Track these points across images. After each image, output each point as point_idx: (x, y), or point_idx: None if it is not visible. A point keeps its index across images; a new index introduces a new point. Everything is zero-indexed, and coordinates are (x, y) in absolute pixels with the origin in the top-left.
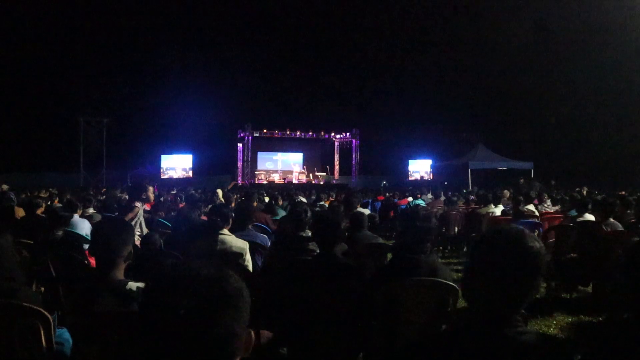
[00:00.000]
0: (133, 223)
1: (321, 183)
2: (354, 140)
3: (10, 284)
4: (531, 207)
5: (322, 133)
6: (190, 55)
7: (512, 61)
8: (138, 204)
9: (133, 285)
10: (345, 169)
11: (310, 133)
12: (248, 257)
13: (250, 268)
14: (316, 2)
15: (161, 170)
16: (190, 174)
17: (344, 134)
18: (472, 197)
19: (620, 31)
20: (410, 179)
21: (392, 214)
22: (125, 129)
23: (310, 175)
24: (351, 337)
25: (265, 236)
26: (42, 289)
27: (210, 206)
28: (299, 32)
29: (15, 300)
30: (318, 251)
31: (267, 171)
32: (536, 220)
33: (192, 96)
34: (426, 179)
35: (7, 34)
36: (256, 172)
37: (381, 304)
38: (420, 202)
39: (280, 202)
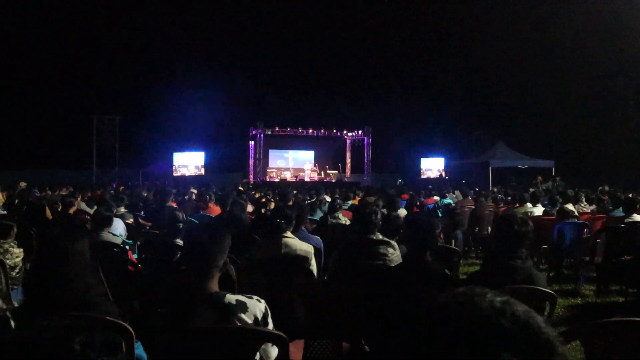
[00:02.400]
0: None
1: (333, 181)
2: (366, 138)
3: (89, 295)
4: (571, 206)
5: (334, 131)
6: (203, 54)
7: (530, 58)
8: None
9: (232, 298)
10: (357, 167)
11: (323, 131)
12: (314, 261)
13: (315, 272)
14: (327, 1)
15: (173, 168)
16: (203, 171)
17: (356, 131)
18: (499, 195)
19: None
20: (422, 177)
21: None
22: (137, 126)
23: (322, 173)
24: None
25: (319, 238)
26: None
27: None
28: (312, 30)
29: (96, 314)
30: (389, 256)
31: (279, 169)
32: (581, 220)
33: (205, 94)
34: (440, 177)
35: (21, 33)
36: (268, 170)
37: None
38: (449, 200)
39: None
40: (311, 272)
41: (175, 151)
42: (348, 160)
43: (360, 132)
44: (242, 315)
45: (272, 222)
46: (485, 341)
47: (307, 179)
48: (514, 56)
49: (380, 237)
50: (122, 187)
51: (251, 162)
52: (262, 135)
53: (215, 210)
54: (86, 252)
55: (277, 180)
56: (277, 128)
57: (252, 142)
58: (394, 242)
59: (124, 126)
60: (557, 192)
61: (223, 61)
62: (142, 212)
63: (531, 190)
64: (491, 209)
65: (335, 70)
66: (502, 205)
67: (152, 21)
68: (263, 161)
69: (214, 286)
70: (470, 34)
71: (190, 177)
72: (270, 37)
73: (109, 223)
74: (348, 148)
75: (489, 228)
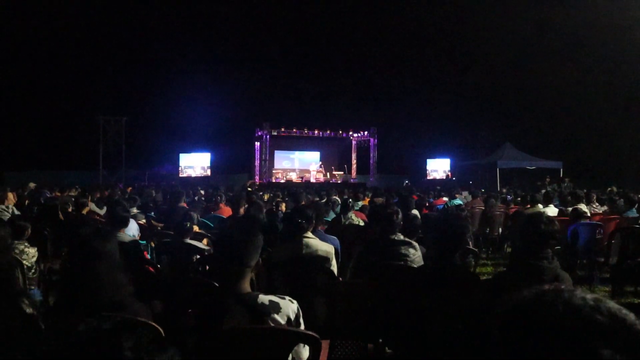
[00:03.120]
0: None
1: (339, 182)
2: (371, 139)
3: (119, 295)
4: (583, 207)
5: (340, 132)
6: (209, 55)
7: (537, 58)
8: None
9: (265, 298)
10: (362, 168)
11: (328, 132)
12: (334, 261)
13: (336, 272)
14: (333, 2)
15: (180, 169)
16: (209, 172)
17: (361, 132)
18: (509, 197)
19: None
20: (428, 178)
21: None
22: (144, 127)
23: (328, 174)
24: (467, 350)
25: (335, 238)
26: None
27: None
28: (318, 31)
29: (127, 315)
30: (411, 256)
31: (285, 170)
32: (594, 221)
33: (210, 95)
34: (445, 178)
35: (28, 35)
36: (273, 171)
37: (500, 315)
38: (459, 201)
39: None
40: (332, 272)
41: (182, 152)
42: (354, 161)
43: (365, 133)
44: (276, 316)
45: (293, 222)
46: (583, 338)
47: (312, 180)
48: (520, 56)
49: (402, 237)
50: (129, 188)
51: (257, 163)
52: (267, 136)
53: (226, 211)
54: (116, 252)
55: (282, 181)
56: (282, 129)
57: (258, 143)
58: (415, 243)
59: (130, 127)
60: (568, 193)
61: (229, 62)
62: (152, 213)
63: (543, 191)
64: (501, 209)
65: (341, 71)
66: (512, 205)
67: (159, 23)
68: (269, 162)
69: (247, 286)
70: (476, 34)
71: (197, 178)
72: (276, 38)
73: (126, 224)
74: (354, 149)
75: (500, 229)
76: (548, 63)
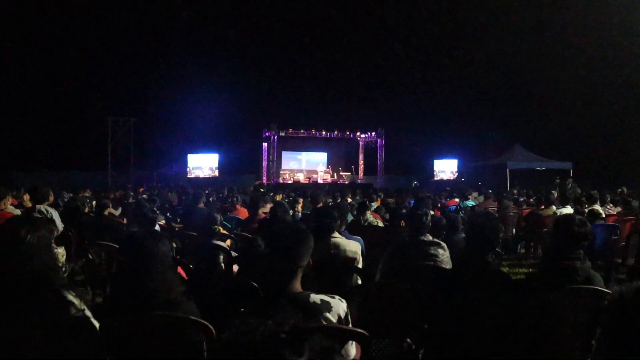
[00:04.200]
0: None
1: (346, 182)
2: (379, 140)
3: (172, 294)
4: (598, 208)
5: (347, 132)
6: (217, 56)
7: (546, 59)
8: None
9: (316, 297)
10: (369, 169)
11: (336, 132)
12: (361, 261)
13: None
14: (340, 2)
15: (187, 170)
16: (217, 173)
17: (369, 133)
18: (521, 198)
19: None
20: (435, 178)
21: (437, 213)
22: (152, 128)
23: (335, 174)
24: (500, 349)
25: (359, 238)
26: None
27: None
28: (326, 32)
29: (179, 313)
30: (440, 257)
31: (292, 170)
32: (612, 222)
33: (218, 96)
34: (453, 179)
35: (37, 36)
36: (281, 172)
37: (533, 314)
38: (472, 202)
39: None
40: (361, 271)
41: (190, 153)
42: (361, 162)
43: (373, 133)
44: (328, 315)
45: (320, 222)
46: None
47: (320, 180)
48: (528, 57)
49: (430, 238)
50: (141, 189)
51: (264, 163)
52: (275, 137)
53: (242, 212)
54: (168, 252)
55: (290, 182)
56: (290, 130)
57: (265, 144)
58: (443, 243)
59: (138, 128)
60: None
61: (236, 63)
62: (168, 214)
63: (553, 192)
64: (514, 210)
65: (348, 72)
66: (524, 206)
67: (167, 24)
68: (276, 163)
69: (298, 286)
70: (484, 34)
71: (204, 178)
72: (283, 39)
73: (153, 224)
74: (361, 150)
75: (514, 230)
76: (556, 63)
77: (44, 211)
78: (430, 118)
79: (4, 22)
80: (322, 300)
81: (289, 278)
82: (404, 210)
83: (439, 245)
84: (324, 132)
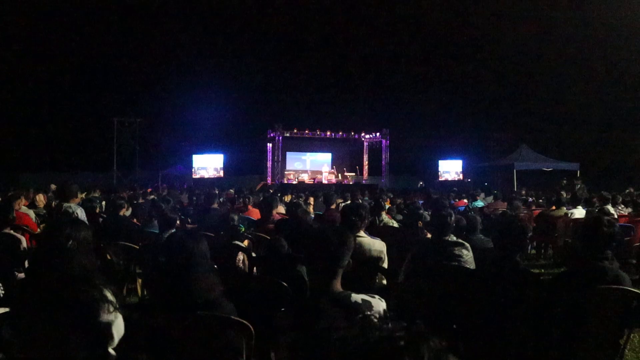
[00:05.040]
0: None
1: (350, 183)
2: (383, 140)
3: (213, 294)
4: (610, 208)
5: (352, 133)
6: (222, 57)
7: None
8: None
9: (357, 297)
10: (374, 169)
11: (340, 133)
12: (387, 260)
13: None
14: (346, 4)
15: (193, 170)
16: (222, 173)
17: (373, 133)
18: (530, 199)
19: None
20: (440, 179)
21: None
22: (157, 129)
23: (340, 175)
24: (528, 349)
25: (379, 238)
26: None
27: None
28: (330, 33)
29: (219, 313)
30: (464, 257)
31: (296, 171)
32: (624, 223)
33: (223, 96)
34: (458, 179)
35: (43, 38)
36: (285, 172)
37: (563, 315)
38: (481, 203)
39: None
40: (387, 271)
41: (195, 153)
42: (365, 163)
43: (377, 134)
44: (369, 314)
45: (346, 221)
46: None
47: (324, 181)
48: (534, 58)
49: (455, 238)
50: (150, 189)
51: (269, 164)
52: (280, 137)
53: (254, 212)
54: (207, 252)
55: (294, 182)
56: (295, 130)
57: (270, 145)
58: (467, 244)
59: (144, 129)
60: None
61: (241, 64)
62: (180, 214)
63: (563, 192)
64: (524, 211)
65: (353, 73)
66: (533, 207)
67: (172, 25)
68: (281, 163)
69: (339, 286)
70: (490, 35)
71: (209, 179)
72: (288, 40)
73: (173, 225)
74: (365, 150)
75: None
76: (563, 64)
77: (71, 210)
78: (435, 119)
79: (12, 24)
80: (363, 300)
81: (330, 278)
82: (421, 211)
83: (463, 246)
84: (328, 133)
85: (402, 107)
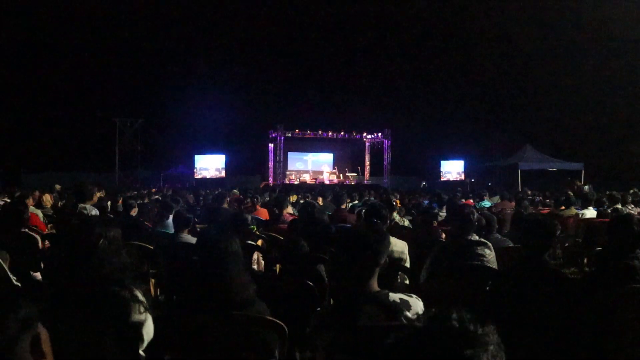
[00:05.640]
0: None
1: (352, 183)
2: (385, 141)
3: (246, 294)
4: (621, 208)
5: (354, 133)
6: (223, 57)
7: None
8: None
9: (395, 296)
10: (376, 170)
11: (342, 133)
12: (408, 260)
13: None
14: (347, 3)
15: (195, 170)
16: (223, 174)
17: (375, 134)
18: (537, 198)
19: None
20: (442, 179)
21: None
22: (159, 129)
23: (341, 175)
24: (560, 349)
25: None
26: None
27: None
28: (332, 33)
29: (253, 312)
30: (487, 257)
31: (298, 171)
32: None
33: (225, 97)
34: (460, 179)
35: (45, 38)
36: (287, 173)
37: (592, 314)
38: (488, 203)
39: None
40: (408, 271)
41: (197, 154)
42: (367, 163)
43: (379, 134)
44: (407, 313)
45: (368, 221)
46: None
47: (326, 181)
48: (539, 57)
49: (477, 238)
50: (154, 189)
51: (271, 164)
52: (281, 137)
53: (262, 212)
54: (240, 252)
55: (296, 182)
56: (296, 130)
57: (271, 145)
58: (489, 243)
59: (146, 129)
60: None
61: (243, 64)
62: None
63: (570, 193)
64: (533, 211)
65: (354, 73)
66: (540, 207)
67: (174, 26)
68: (282, 164)
69: (376, 285)
70: (493, 34)
71: (211, 179)
72: (290, 40)
73: (188, 225)
74: (367, 150)
75: None
76: (567, 63)
77: (86, 211)
78: (437, 119)
79: (14, 24)
80: (401, 299)
81: (367, 277)
82: (436, 210)
83: (485, 245)
84: (330, 133)
85: (404, 107)
